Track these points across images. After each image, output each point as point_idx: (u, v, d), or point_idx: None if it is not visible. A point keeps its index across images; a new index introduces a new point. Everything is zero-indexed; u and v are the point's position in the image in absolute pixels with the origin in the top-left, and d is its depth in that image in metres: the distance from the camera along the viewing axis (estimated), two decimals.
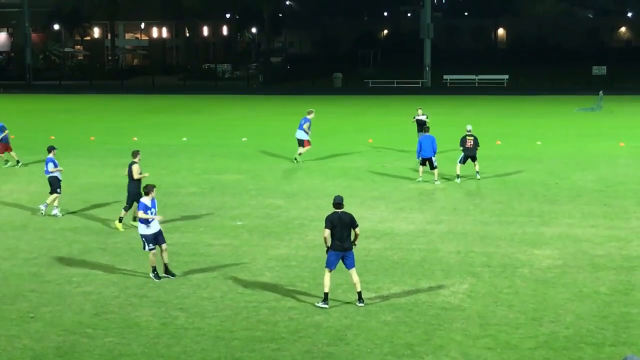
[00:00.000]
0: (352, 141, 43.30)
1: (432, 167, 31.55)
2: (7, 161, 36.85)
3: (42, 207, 26.71)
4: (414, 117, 37.55)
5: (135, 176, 24.50)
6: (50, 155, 26.97)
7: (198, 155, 39.18)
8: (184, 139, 45.38)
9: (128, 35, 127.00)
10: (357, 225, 17.95)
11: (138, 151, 25.15)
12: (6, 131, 36.84)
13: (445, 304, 17.88)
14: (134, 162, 24.67)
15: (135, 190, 24.08)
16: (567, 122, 53.30)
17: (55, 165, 26.75)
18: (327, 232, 17.73)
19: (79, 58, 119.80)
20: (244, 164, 36.47)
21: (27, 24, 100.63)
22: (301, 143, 36.62)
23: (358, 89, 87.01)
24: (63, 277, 20.02)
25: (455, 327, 16.60)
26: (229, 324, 16.85)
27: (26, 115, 60.86)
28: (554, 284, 19.20)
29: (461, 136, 32.32)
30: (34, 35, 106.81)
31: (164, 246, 19.90)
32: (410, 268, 20.56)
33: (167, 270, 19.93)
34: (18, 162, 36.67)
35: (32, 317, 17.27)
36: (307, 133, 36.37)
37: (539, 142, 42.20)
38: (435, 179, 31.58)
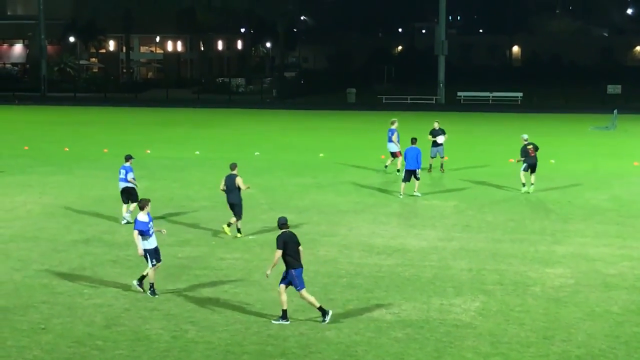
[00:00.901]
0: (364, 157, 43.26)
1: (416, 178, 31.87)
2: None
3: (126, 215, 27.12)
4: (431, 134, 37.73)
5: (243, 187, 25.72)
6: (128, 164, 27.24)
7: (210, 168, 39.21)
8: (197, 152, 45.45)
9: (143, 49, 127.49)
10: (300, 244, 18.20)
11: (236, 164, 26.12)
12: None
13: (456, 322, 17.82)
14: (236, 175, 25.68)
15: (240, 201, 25.66)
16: (581, 141, 53.18)
17: (132, 175, 27.17)
18: (280, 252, 17.86)
19: (94, 70, 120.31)
20: (256, 178, 36.44)
21: (42, 36, 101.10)
22: (394, 155, 37.15)
23: (371, 104, 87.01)
24: (74, 289, 20.04)
25: (466, 344, 16.54)
26: (240, 338, 16.83)
27: (40, 127, 61.08)
28: (566, 303, 19.12)
29: (521, 147, 33.12)
30: (49, 48, 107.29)
31: (159, 263, 19.89)
32: (421, 285, 20.51)
33: (142, 283, 19.80)
34: None
35: (43, 329, 17.29)
36: (396, 144, 36.75)
37: (552, 160, 42.06)
38: (415, 190, 31.98)
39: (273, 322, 17.73)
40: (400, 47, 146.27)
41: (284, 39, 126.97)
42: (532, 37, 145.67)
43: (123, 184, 27.22)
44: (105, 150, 45.83)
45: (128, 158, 27.54)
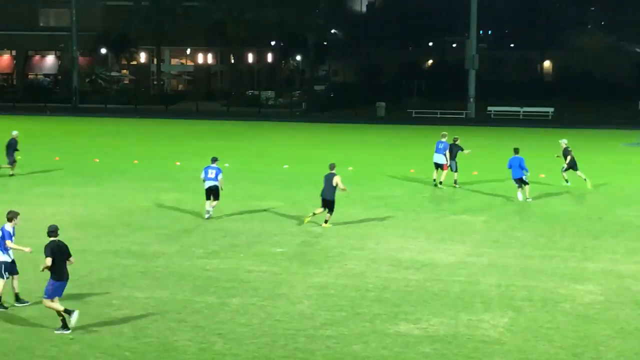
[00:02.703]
0: (393, 171, 43.19)
1: (525, 183, 34.09)
2: None
3: (209, 209, 29.83)
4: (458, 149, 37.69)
5: (341, 187, 28.14)
6: (215, 165, 29.84)
7: (239, 181, 39.28)
8: (226, 164, 45.50)
9: (174, 61, 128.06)
10: (71, 255, 18.15)
11: (334, 164, 28.91)
12: None
13: (484, 337, 17.72)
14: (334, 174, 28.28)
15: (333, 198, 28.33)
16: (612, 157, 52.85)
17: (222, 177, 29.85)
18: (50, 260, 17.74)
19: (125, 82, 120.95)
20: (285, 191, 36.51)
21: (75, 48, 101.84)
22: (440, 167, 37.27)
23: (401, 118, 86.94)
24: (103, 299, 20.13)
25: None
26: (267, 351, 16.81)
27: (71, 138, 61.50)
28: (596, 320, 18.96)
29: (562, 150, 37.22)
30: (81, 59, 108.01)
31: (16, 276, 19.71)
32: (450, 300, 20.42)
33: (18, 299, 19.69)
34: None
35: (71, 339, 17.36)
36: (446, 157, 36.94)
37: (583, 176, 41.78)
38: (527, 195, 34.27)
39: (56, 332, 17.66)
40: (430, 61, 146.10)
41: (314, 53, 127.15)
42: (563, 52, 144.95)
43: (209, 183, 29.61)
44: (136, 162, 46.05)
45: (214, 160, 30.06)
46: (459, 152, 37.51)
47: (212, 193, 29.83)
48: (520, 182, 34.02)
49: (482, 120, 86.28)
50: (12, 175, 39.81)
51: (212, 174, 29.70)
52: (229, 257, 24.49)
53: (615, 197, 35.94)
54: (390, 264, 23.87)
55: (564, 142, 37.50)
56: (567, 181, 36.41)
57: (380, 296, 20.66)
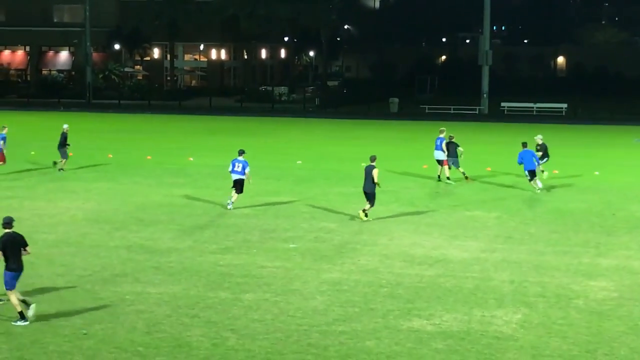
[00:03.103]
0: (406, 167, 43.13)
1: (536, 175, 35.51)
2: None
3: (231, 200, 30.62)
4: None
5: (376, 179, 28.45)
6: (242, 158, 30.45)
7: (252, 177, 39.20)
8: None
9: (187, 57, 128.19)
10: (27, 245, 18.16)
11: (375, 156, 29.31)
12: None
13: (497, 334, 17.69)
14: (373, 166, 28.70)
15: (373, 190, 28.66)
16: (625, 153, 52.67)
17: (248, 169, 30.59)
18: (0, 253, 17.83)
19: (138, 78, 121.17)
20: (298, 187, 36.52)
21: (88, 44, 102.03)
22: (441, 163, 37.54)
23: (414, 114, 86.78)
24: (116, 294, 20.18)
25: (508, 357, 16.41)
26: (280, 346, 16.83)
27: (85, 133, 61.56)
28: (609, 316, 18.91)
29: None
30: (94, 55, 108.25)
31: None
32: (463, 296, 20.39)
33: None
34: None
35: (84, 334, 17.41)
36: (444, 152, 37.23)
37: (596, 172, 41.71)
38: (540, 185, 35.51)
39: (13, 323, 17.73)
40: (443, 57, 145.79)
41: (327, 48, 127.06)
42: (577, 48, 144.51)
43: (235, 176, 30.46)
44: (149, 158, 46.12)
45: (241, 152, 30.59)
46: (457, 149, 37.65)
47: (237, 186, 30.58)
48: (533, 175, 34.97)
49: (496, 116, 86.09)
50: (62, 170, 40.06)
51: (238, 167, 30.43)
52: (242, 253, 24.52)
53: (629, 193, 35.82)
54: (403, 259, 23.86)
55: (539, 138, 38.26)
56: (543, 171, 36.97)
57: (393, 292, 20.65)
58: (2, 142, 39.39)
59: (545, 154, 37.86)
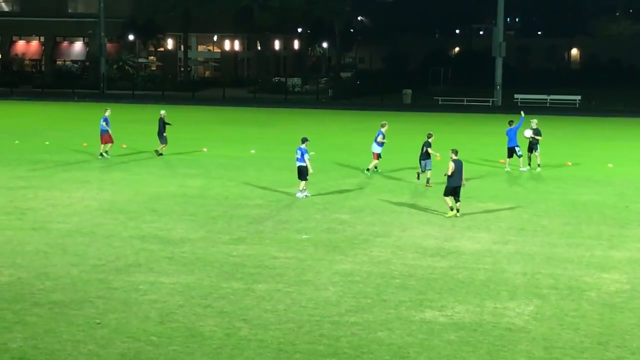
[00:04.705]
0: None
1: (518, 156, 39.07)
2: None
3: (299, 194, 31.45)
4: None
5: (449, 173, 28.34)
6: (304, 146, 31.23)
7: (266, 167, 39.39)
8: (253, 151, 45.68)
9: (201, 47, 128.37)
10: None
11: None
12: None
13: (509, 325, 17.71)
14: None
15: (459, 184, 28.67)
16: (639, 145, 52.48)
17: (308, 157, 31.25)
18: None
19: (152, 69, 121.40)
20: (311, 178, 36.50)
21: (102, 34, 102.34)
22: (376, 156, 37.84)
23: (427, 106, 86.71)
24: (130, 284, 20.26)
25: (520, 349, 16.43)
26: (292, 337, 16.89)
27: (99, 124, 61.67)
28: (622, 309, 18.90)
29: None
30: (108, 45, 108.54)
31: None
32: (475, 288, 20.41)
33: None
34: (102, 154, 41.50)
35: (98, 323, 17.50)
36: (379, 146, 37.34)
37: (610, 165, 41.61)
38: (521, 165, 38.90)
39: None
40: (457, 49, 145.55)
41: (341, 40, 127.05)
42: (591, 40, 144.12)
43: (297, 163, 31.25)
44: (162, 148, 46.13)
45: (304, 140, 31.41)
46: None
47: (300, 173, 31.51)
48: (511, 153, 38.76)
49: (509, 108, 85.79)
50: (161, 155, 42.24)
51: (298, 154, 31.36)
52: (254, 244, 24.58)
53: None
54: (415, 251, 23.89)
55: (534, 123, 39.27)
56: (539, 166, 38.85)
57: (406, 283, 20.69)
58: (104, 123, 41.57)
59: (538, 134, 39.06)
